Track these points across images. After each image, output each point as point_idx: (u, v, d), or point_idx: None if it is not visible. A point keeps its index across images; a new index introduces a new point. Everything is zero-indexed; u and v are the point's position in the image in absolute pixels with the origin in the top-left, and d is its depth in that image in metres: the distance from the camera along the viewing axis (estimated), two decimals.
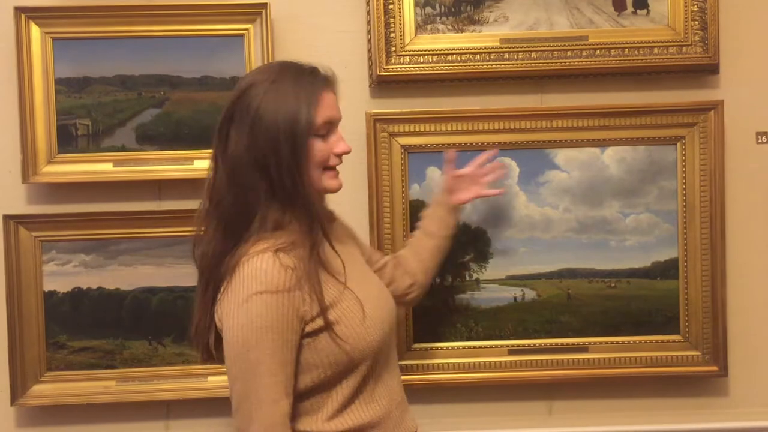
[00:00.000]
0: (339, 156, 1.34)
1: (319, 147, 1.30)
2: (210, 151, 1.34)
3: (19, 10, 1.78)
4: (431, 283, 1.72)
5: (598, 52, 1.83)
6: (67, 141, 1.82)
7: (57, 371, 1.83)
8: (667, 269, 1.85)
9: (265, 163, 1.24)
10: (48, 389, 1.82)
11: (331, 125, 1.34)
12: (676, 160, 1.84)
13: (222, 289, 1.25)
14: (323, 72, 1.35)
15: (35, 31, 1.80)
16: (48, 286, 1.82)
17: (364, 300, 1.31)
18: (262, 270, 1.21)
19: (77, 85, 1.82)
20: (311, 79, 1.31)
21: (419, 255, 1.65)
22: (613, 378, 1.85)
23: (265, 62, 1.80)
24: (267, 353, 1.19)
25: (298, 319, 1.22)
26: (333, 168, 1.35)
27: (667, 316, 1.86)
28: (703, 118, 1.82)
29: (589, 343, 1.85)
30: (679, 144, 1.84)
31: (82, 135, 1.83)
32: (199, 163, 1.79)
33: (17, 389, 1.81)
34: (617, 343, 1.85)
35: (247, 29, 1.82)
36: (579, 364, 1.85)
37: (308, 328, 1.24)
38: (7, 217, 1.79)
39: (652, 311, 1.86)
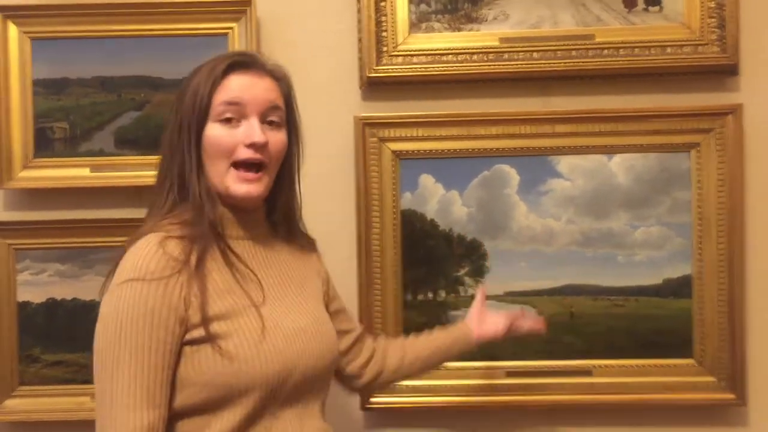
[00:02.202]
0: (250, 147, 1.15)
1: (217, 133, 1.16)
2: None
3: None
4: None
5: (605, 51, 1.69)
6: (44, 145, 1.73)
7: (30, 386, 1.74)
8: (680, 287, 1.71)
9: (170, 147, 1.19)
10: (21, 404, 1.74)
11: (240, 109, 1.16)
12: (690, 168, 1.70)
13: None
14: (252, 55, 1.26)
15: (12, 30, 1.73)
16: (22, 296, 1.73)
17: (273, 327, 1.15)
18: (141, 255, 1.09)
19: (55, 87, 1.74)
20: (226, 59, 1.20)
21: (405, 356, 1.47)
22: (619, 404, 1.70)
23: None
24: (130, 351, 1.05)
25: (175, 317, 1.07)
26: (246, 166, 1.17)
27: (679, 338, 1.71)
28: (720, 123, 1.67)
29: (594, 366, 1.71)
30: (693, 151, 1.69)
31: (59, 138, 1.74)
32: None
33: None
34: (624, 366, 1.71)
35: (231, 28, 1.72)
36: (582, 388, 1.71)
37: (189, 335, 1.09)
38: None
39: (663, 332, 1.71)
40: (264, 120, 1.19)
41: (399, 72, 1.70)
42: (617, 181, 1.71)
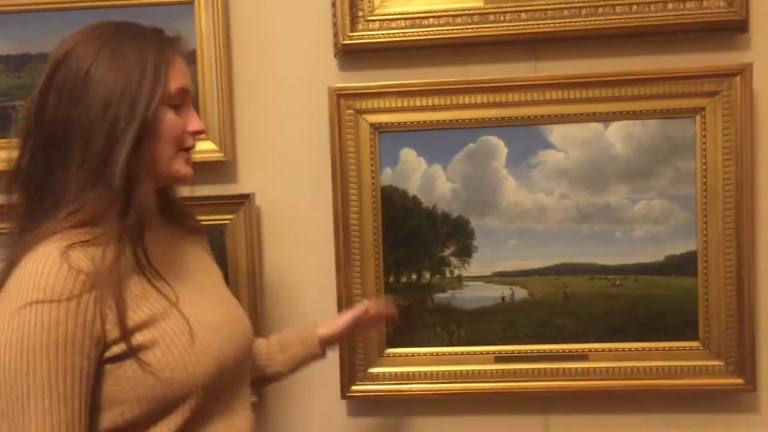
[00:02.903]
0: (193, 136, 1.13)
1: (171, 119, 1.08)
2: None
3: None
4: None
5: (600, 10, 1.54)
6: (5, 125, 1.66)
7: None
8: (684, 264, 1.57)
9: (89, 133, 1.01)
10: None
11: (184, 96, 1.12)
12: (694, 135, 1.55)
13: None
14: (170, 34, 1.13)
15: None
16: None
17: (198, 324, 1.06)
18: (43, 272, 0.95)
19: (15, 64, 1.65)
20: (158, 39, 1.09)
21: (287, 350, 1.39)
22: (618, 391, 1.59)
23: (218, 32, 1.60)
24: (42, 384, 0.93)
25: (90, 339, 0.96)
26: (187, 150, 1.13)
27: (683, 320, 1.58)
28: (728, 86, 1.52)
29: (590, 350, 1.59)
30: (698, 117, 1.55)
31: (22, 118, 1.66)
32: None
33: None
34: (623, 350, 1.59)
35: None
36: (578, 374, 1.59)
37: (109, 352, 0.98)
38: None
39: (666, 314, 1.58)
40: None
41: (375, 38, 1.58)
42: (615, 151, 1.57)
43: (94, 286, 0.97)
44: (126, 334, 0.99)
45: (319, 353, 1.39)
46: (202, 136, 1.59)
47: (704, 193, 1.56)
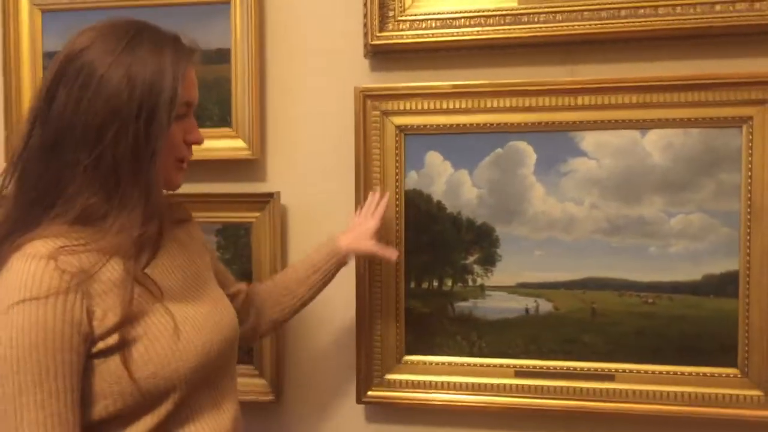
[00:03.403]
0: (190, 146, 1.14)
1: (175, 131, 1.08)
2: None
3: None
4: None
5: (641, 11, 1.46)
6: None
7: None
8: (723, 285, 1.47)
9: (98, 135, 1.00)
10: None
11: (190, 108, 1.13)
12: (740, 146, 1.45)
13: None
14: (187, 43, 1.11)
15: (23, 2, 1.72)
16: None
17: (184, 319, 1.07)
18: (29, 271, 0.96)
19: None
20: (176, 48, 1.07)
21: (286, 286, 1.43)
22: (646, 416, 1.49)
23: (252, 32, 1.61)
24: (33, 380, 0.94)
25: (79, 335, 0.97)
26: (182, 160, 1.14)
27: (720, 344, 1.47)
28: None
29: (617, 371, 1.51)
30: (745, 126, 1.44)
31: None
32: None
33: None
34: (652, 372, 1.50)
35: None
36: (603, 395, 1.51)
37: (96, 348, 0.99)
38: None
39: (702, 336, 1.48)
40: None
41: (405, 39, 1.55)
42: (651, 161, 1.49)
43: (80, 284, 0.98)
44: (113, 329, 1.00)
45: (344, 261, 1.45)
46: (232, 133, 1.64)
47: (749, 209, 1.45)
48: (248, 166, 1.64)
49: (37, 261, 0.97)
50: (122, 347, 1.00)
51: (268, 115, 1.65)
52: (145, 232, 1.04)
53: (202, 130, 1.69)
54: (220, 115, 1.65)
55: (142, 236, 1.04)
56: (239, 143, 1.63)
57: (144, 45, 1.05)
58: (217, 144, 1.63)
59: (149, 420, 1.04)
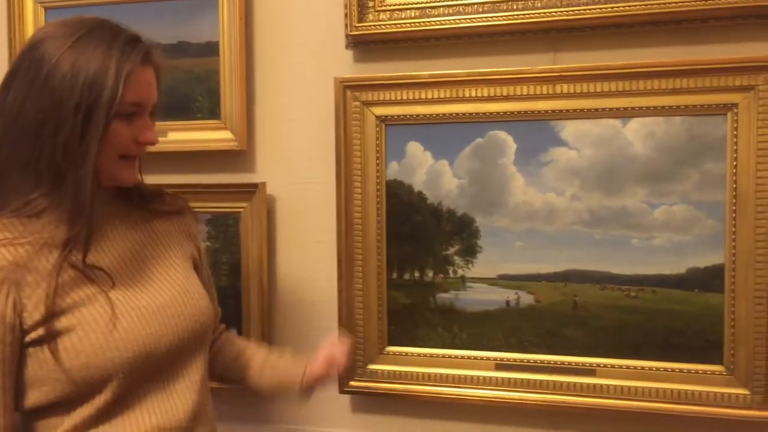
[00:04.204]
0: (141, 146, 1.13)
1: (120, 130, 1.08)
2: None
3: None
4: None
5: None
6: None
7: None
8: (709, 279, 1.42)
9: (40, 130, 1.03)
10: None
11: (141, 108, 1.12)
12: (725, 135, 1.39)
13: None
14: (146, 43, 1.12)
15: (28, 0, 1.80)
16: None
17: (128, 309, 1.08)
18: None
19: None
20: (128, 48, 1.07)
21: (245, 360, 1.39)
22: (627, 413, 1.45)
23: (240, 26, 1.63)
24: None
25: (3, 326, 1.02)
26: (133, 157, 1.14)
27: (705, 340, 1.42)
28: (764, 80, 1.35)
29: (598, 365, 1.47)
30: (729, 114, 1.39)
31: None
32: (174, 135, 1.68)
33: None
34: (635, 368, 1.45)
35: None
36: (584, 390, 1.48)
37: (28, 338, 1.03)
38: None
39: (686, 332, 1.43)
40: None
41: (384, 29, 1.54)
42: (633, 151, 1.44)
43: (8, 277, 1.01)
44: (43, 320, 1.03)
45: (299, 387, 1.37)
46: (221, 125, 1.66)
47: (734, 200, 1.39)
48: (237, 158, 1.67)
49: None
50: (52, 338, 1.03)
51: (256, 107, 1.67)
52: (79, 225, 1.06)
53: (193, 123, 1.73)
54: (209, 108, 1.68)
55: (79, 230, 1.06)
56: (227, 134, 1.66)
57: (93, 42, 1.07)
58: (206, 135, 1.67)
59: (90, 407, 1.07)
